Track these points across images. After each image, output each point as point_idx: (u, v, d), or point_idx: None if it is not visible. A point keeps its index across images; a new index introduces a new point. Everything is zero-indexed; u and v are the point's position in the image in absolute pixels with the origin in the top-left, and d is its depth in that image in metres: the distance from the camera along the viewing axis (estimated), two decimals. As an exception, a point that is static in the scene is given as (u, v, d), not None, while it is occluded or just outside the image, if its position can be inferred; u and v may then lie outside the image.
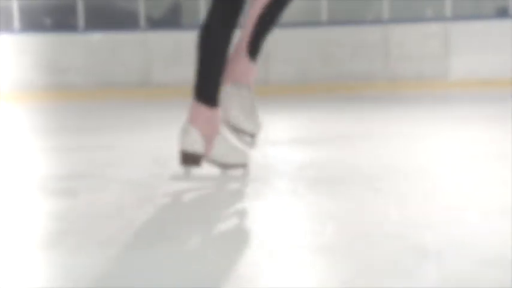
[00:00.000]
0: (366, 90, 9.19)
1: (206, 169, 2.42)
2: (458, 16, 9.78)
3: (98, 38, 9.72)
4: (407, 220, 1.59)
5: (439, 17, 9.87)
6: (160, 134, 4.02)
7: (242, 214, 1.75)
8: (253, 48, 2.40)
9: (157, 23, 10.11)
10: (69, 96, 9.34)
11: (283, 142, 3.38)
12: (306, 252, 1.34)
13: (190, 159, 2.35)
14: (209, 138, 2.36)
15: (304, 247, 1.37)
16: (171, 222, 1.69)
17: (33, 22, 9.93)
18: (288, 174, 2.37)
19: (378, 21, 9.86)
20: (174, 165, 2.48)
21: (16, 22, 9.79)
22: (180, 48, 9.32)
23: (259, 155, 2.75)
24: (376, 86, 9.42)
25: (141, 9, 9.86)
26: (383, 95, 8.38)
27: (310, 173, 2.37)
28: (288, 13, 9.46)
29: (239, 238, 1.49)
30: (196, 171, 2.40)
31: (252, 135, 2.41)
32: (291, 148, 3.17)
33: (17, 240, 1.52)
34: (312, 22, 9.90)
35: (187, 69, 9.52)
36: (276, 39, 9.81)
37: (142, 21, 9.89)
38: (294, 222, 1.64)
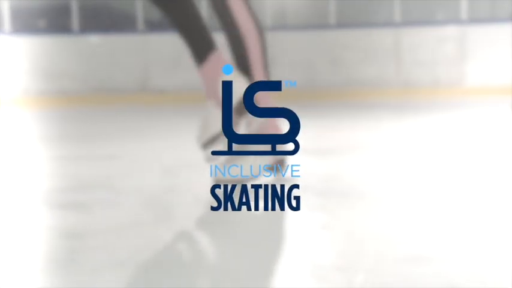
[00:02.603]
0: (377, 97, 9.12)
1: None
2: (475, 19, 9.74)
3: (93, 41, 9.68)
4: (461, 244, 1.51)
5: (455, 20, 9.82)
6: (164, 143, 3.99)
7: (268, 231, 1.69)
8: None
9: (156, 26, 10.06)
10: (64, 102, 9.29)
11: (301, 152, 3.32)
12: (349, 277, 1.27)
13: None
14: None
15: (345, 270, 1.31)
16: (192, 239, 1.63)
17: (25, 24, 9.89)
18: (313, 187, 2.31)
19: (389, 23, 9.83)
20: (184, 175, 2.42)
21: (7, 24, 9.75)
22: (181, 52, 9.25)
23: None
24: (388, 93, 9.37)
25: (139, 11, 9.83)
26: (395, 102, 8.32)
27: (337, 186, 2.31)
28: (295, 15, 9.45)
29: (266, 258, 1.43)
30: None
31: None
32: (310, 158, 3.12)
33: (29, 260, 1.46)
34: (320, 24, 9.86)
35: (188, 74, 9.50)
36: (281, 42, 9.86)
37: (140, 23, 9.85)
38: (329, 241, 1.57)
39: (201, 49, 2.17)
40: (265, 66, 2.36)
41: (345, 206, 1.97)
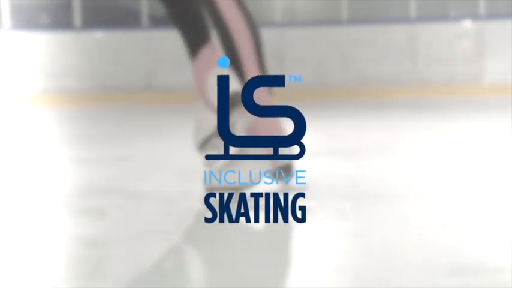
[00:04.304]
0: (392, 96, 9.03)
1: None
2: (493, 14, 9.61)
3: (96, 37, 9.58)
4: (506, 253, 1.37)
5: (472, 15, 9.70)
6: (174, 143, 3.96)
7: (297, 242, 1.56)
8: None
9: (161, 21, 9.96)
10: (66, 100, 9.21)
11: (321, 153, 3.21)
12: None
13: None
14: None
15: (390, 284, 1.17)
16: (216, 246, 1.53)
17: (26, 19, 9.82)
18: (341, 191, 2.18)
19: (404, 19, 9.70)
20: (200, 176, 2.33)
21: (7, 19, 9.69)
22: (187, 49, 9.16)
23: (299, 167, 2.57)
24: (403, 91, 9.25)
25: (144, 6, 9.73)
26: (412, 101, 8.27)
27: (366, 189, 2.20)
28: (306, 10, 9.39)
29: (294, 273, 1.30)
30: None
31: None
32: (332, 160, 3.01)
33: (50, 270, 1.39)
34: (331, 20, 9.75)
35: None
36: (291, 38, 9.77)
37: (145, 19, 9.76)
38: (366, 250, 1.42)
39: (193, 42, 2.05)
40: (260, 64, 2.24)
41: (378, 211, 1.84)
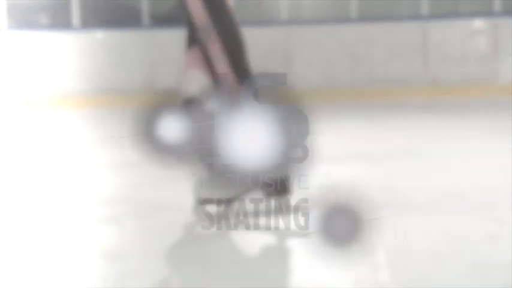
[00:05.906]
0: (403, 96, 8.99)
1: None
2: (508, 11, 9.54)
3: (95, 37, 9.54)
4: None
5: (486, 12, 9.64)
6: None
7: (334, 257, 1.49)
8: None
9: (162, 21, 9.94)
10: (63, 103, 9.18)
11: (342, 158, 3.13)
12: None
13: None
14: None
15: None
16: (238, 260, 1.48)
17: (23, 19, 9.80)
18: (371, 200, 2.11)
19: (416, 17, 9.65)
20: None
21: (3, 19, 9.67)
22: (190, 49, 9.12)
23: (321, 173, 2.48)
24: (415, 92, 9.20)
25: (144, 5, 9.69)
26: (423, 101, 8.22)
27: (397, 197, 2.15)
28: (313, 8, 9.30)
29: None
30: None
31: None
32: (356, 165, 2.94)
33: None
34: (340, 18, 9.70)
35: (197, 73, 9.36)
36: (298, 37, 9.71)
37: (145, 18, 9.73)
38: (408, 264, 1.35)
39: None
40: (236, 63, 2.24)
41: (415, 222, 1.77)
